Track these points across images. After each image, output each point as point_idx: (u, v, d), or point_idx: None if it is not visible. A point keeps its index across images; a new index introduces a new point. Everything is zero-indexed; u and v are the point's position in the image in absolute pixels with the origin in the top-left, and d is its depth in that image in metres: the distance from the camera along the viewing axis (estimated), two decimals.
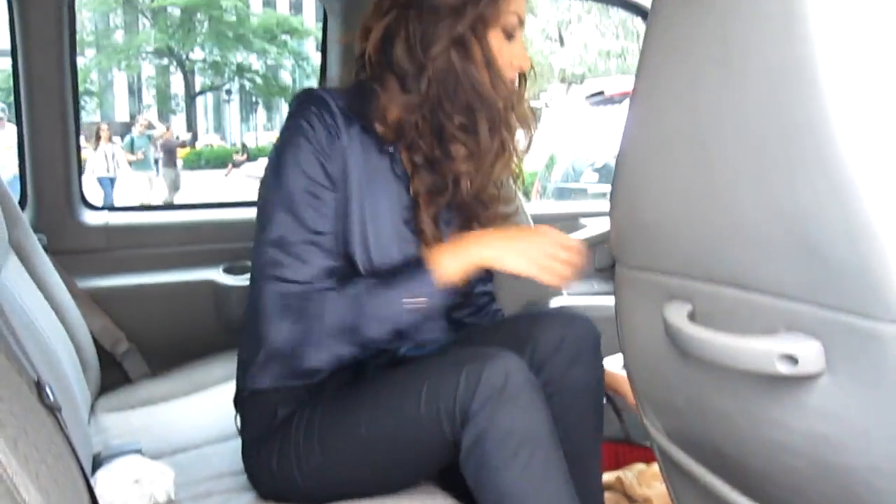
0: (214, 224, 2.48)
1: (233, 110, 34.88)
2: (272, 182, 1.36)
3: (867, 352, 0.78)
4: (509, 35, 1.40)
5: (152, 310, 2.28)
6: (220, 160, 26.14)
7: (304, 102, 1.38)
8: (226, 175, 23.18)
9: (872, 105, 0.74)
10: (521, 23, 1.41)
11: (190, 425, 1.82)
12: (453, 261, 1.34)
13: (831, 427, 0.83)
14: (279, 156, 1.36)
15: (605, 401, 1.52)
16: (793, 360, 0.83)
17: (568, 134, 7.29)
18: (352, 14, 2.30)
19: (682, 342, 0.97)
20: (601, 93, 6.44)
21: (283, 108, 32.45)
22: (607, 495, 1.81)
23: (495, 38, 1.38)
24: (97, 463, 1.52)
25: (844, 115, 0.74)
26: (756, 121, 0.83)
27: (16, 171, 2.38)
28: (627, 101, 1.05)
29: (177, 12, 26.72)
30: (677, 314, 0.98)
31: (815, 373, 0.83)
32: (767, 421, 0.90)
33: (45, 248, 2.04)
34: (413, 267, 1.36)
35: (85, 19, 26.15)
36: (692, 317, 0.98)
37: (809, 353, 0.82)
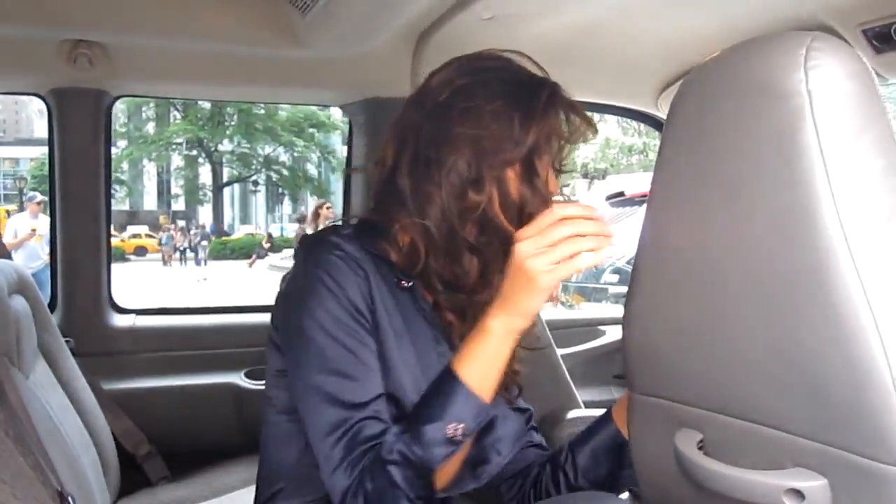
0: (238, 328, 2.52)
1: (259, 201, 35.40)
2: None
3: (872, 492, 0.79)
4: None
5: (174, 413, 2.31)
6: (245, 250, 26.46)
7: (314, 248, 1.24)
8: (250, 265, 23.42)
9: (875, 253, 0.77)
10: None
11: None
12: (481, 357, 1.14)
13: None
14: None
15: None
16: (800, 495, 0.85)
17: None
18: (373, 124, 2.37)
19: (692, 471, 0.98)
20: (621, 193, 6.53)
21: (309, 200, 32.98)
22: None
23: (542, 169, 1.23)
24: None
25: (847, 261, 0.77)
26: (761, 262, 0.86)
27: (48, 257, 2.45)
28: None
29: (207, 105, 27.38)
30: (688, 443, 1.00)
31: None
32: None
33: (73, 351, 2.09)
34: (441, 385, 1.15)
35: (118, 111, 26.87)
36: (702, 446, 1.00)
37: (815, 490, 0.84)
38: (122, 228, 28.58)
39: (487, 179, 1.21)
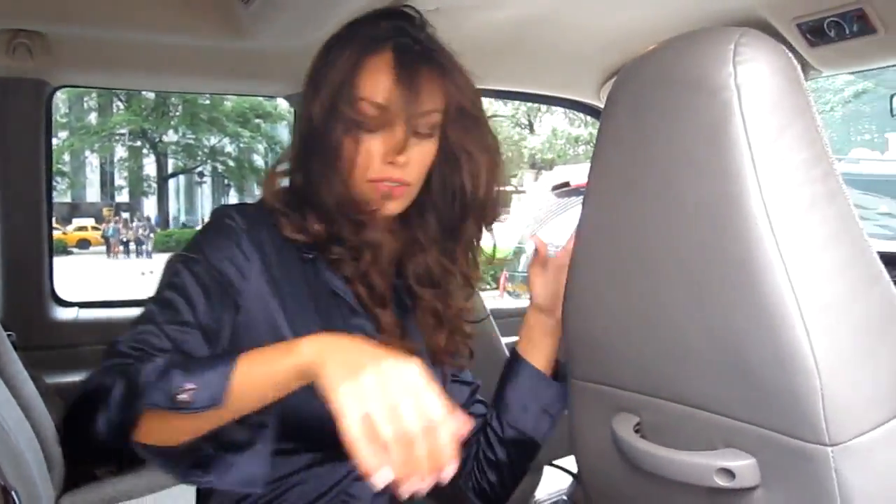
0: None
1: (205, 192, 35.03)
2: None
3: (798, 469, 0.83)
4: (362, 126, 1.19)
5: None
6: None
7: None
8: None
9: (798, 241, 0.81)
10: (382, 108, 1.18)
11: None
12: (266, 366, 0.97)
13: None
14: None
15: None
16: (730, 474, 0.88)
17: (536, 222, 7.41)
18: None
19: (628, 454, 1.02)
20: (567, 184, 6.60)
21: (256, 191, 32.62)
22: None
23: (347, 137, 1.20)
24: None
25: (773, 249, 0.81)
26: (693, 250, 0.89)
27: None
28: None
29: (151, 95, 26.96)
30: (625, 426, 1.03)
31: (750, 486, 0.88)
32: None
33: (14, 345, 2.06)
34: (223, 356, 1.03)
35: (59, 101, 26.31)
36: (639, 429, 1.03)
37: (745, 469, 0.88)
38: (67, 221, 28.06)
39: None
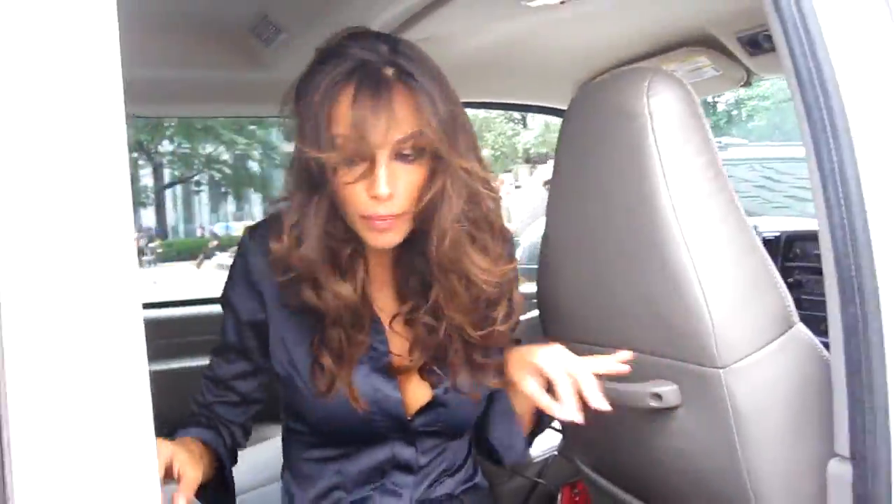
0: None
1: (202, 201, 35.19)
2: None
3: (704, 389, 1.15)
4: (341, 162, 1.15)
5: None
6: (190, 251, 26.37)
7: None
8: (197, 266, 23.36)
9: (696, 223, 1.12)
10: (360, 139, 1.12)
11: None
12: None
13: (687, 444, 1.20)
14: None
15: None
16: (659, 397, 1.20)
17: (532, 217, 7.71)
18: None
19: None
20: None
21: (253, 197, 32.71)
22: None
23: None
24: None
25: (677, 231, 1.12)
26: (624, 235, 1.21)
27: None
28: None
29: None
30: None
31: (674, 405, 1.19)
32: (648, 444, 1.27)
33: None
34: None
35: None
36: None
37: (669, 392, 1.19)
38: None
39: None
